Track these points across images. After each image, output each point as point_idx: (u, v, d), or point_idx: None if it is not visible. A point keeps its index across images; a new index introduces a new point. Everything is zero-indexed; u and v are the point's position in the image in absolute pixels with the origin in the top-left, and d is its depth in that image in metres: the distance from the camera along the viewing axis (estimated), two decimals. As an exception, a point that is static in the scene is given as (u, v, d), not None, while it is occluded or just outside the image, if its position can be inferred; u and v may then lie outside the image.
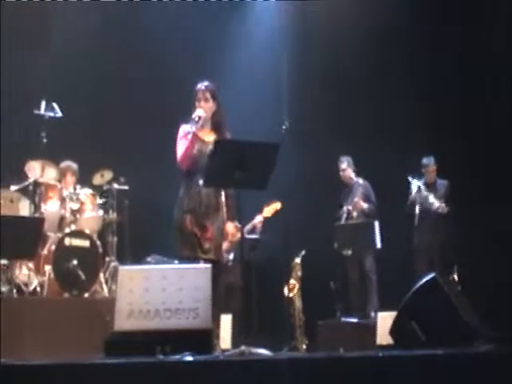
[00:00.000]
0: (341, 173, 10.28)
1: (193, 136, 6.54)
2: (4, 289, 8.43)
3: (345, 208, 10.04)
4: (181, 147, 6.59)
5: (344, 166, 10.26)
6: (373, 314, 9.31)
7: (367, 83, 10.81)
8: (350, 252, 9.72)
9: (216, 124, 6.73)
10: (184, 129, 6.65)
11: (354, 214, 9.99)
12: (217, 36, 11.10)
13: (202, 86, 6.73)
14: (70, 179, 9.42)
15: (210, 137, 6.66)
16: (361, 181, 10.09)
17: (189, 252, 6.49)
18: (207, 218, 6.58)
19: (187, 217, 6.54)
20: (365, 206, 10.00)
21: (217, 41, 11.11)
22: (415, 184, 9.88)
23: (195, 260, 6.38)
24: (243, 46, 11.30)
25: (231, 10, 11.27)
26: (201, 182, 6.45)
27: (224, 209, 6.67)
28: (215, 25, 11.07)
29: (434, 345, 4.76)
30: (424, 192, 9.82)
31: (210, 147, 6.49)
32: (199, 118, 6.55)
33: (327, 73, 10.94)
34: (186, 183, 6.63)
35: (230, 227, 6.79)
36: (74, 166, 9.52)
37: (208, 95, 6.68)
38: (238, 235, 9.11)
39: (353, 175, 10.24)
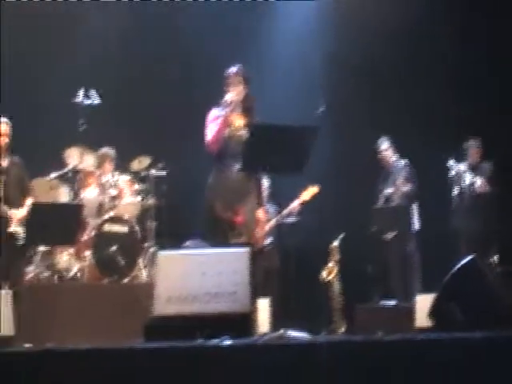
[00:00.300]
0: (383, 153, 10.15)
1: (224, 119, 6.51)
2: (45, 274, 8.53)
3: (385, 190, 9.95)
4: (211, 130, 6.56)
5: (385, 146, 10.13)
6: (414, 296, 9.24)
7: (403, 66, 10.74)
8: (391, 235, 9.67)
9: (246, 108, 6.69)
10: (214, 112, 6.63)
11: (396, 196, 9.89)
12: (251, 25, 11.09)
13: (233, 69, 6.69)
14: (108, 166, 9.47)
15: (240, 121, 6.63)
16: (403, 162, 9.95)
17: (221, 238, 6.47)
18: (238, 203, 6.55)
19: (218, 202, 6.52)
20: (407, 188, 9.89)
21: (251, 30, 11.10)
22: (456, 166, 9.77)
23: (228, 246, 6.34)
24: (277, 35, 11.28)
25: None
26: (236, 166, 6.43)
27: (254, 194, 6.64)
28: (249, 14, 11.05)
29: (473, 327, 4.73)
30: (466, 173, 9.72)
31: (240, 131, 6.48)
32: (231, 101, 6.52)
33: (362, 56, 10.88)
34: (217, 168, 6.61)
35: (261, 213, 6.77)
36: (112, 152, 9.57)
37: (240, 79, 6.65)
38: (272, 221, 9.17)
39: (393, 157, 10.12)
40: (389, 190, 9.92)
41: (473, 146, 9.90)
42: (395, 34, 10.71)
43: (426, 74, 10.61)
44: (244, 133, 6.53)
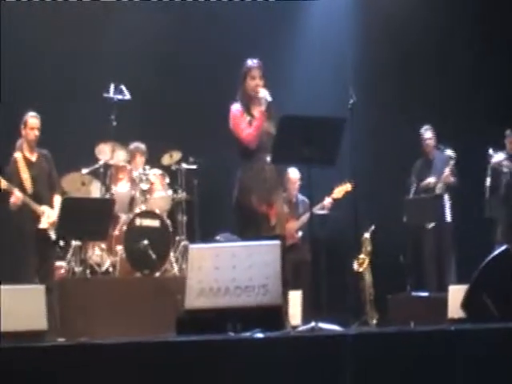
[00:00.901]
0: (426, 142, 9.99)
1: (262, 115, 6.54)
2: (78, 269, 8.58)
3: (427, 180, 9.81)
4: (245, 127, 6.58)
5: (430, 134, 10.00)
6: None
7: (439, 54, 10.65)
8: (431, 225, 9.59)
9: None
10: (237, 107, 6.66)
11: (438, 186, 9.75)
12: (283, 23, 11.08)
13: (254, 63, 6.70)
14: (139, 160, 9.50)
15: None
16: (451, 152, 9.77)
17: (253, 232, 6.44)
18: (271, 195, 6.58)
19: (253, 195, 6.52)
20: (453, 181, 9.78)
21: (283, 28, 11.09)
22: (495, 155, 9.66)
23: (260, 239, 6.27)
24: (309, 30, 11.26)
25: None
26: (265, 158, 6.45)
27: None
28: (280, 13, 11.04)
29: (506, 317, 4.69)
30: (504, 162, 9.61)
31: (265, 125, 6.50)
32: (265, 96, 6.55)
33: (394, 47, 10.80)
34: (246, 162, 6.61)
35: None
36: (143, 146, 9.60)
37: (261, 72, 6.66)
38: (305, 215, 9.19)
39: (437, 146, 9.97)
40: (431, 180, 9.79)
41: (511, 136, 9.80)
42: (428, 23, 10.64)
43: (463, 64, 10.51)
44: (267, 125, 6.56)
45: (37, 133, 8.20)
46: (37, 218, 8.03)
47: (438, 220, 9.54)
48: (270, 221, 6.53)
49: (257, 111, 6.60)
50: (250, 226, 6.53)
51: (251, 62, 6.70)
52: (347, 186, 9.37)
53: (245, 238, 6.44)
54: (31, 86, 9.86)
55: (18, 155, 8.18)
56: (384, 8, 10.96)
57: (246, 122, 6.62)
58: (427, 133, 10.01)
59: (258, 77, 6.65)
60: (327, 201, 9.52)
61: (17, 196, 7.88)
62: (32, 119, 8.19)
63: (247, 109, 6.68)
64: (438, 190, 9.75)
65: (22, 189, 8.01)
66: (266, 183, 6.56)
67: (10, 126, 8.64)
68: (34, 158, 8.26)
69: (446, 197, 9.46)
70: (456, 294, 7.18)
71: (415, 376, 4.04)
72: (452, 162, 9.74)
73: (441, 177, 9.78)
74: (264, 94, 6.56)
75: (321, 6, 11.27)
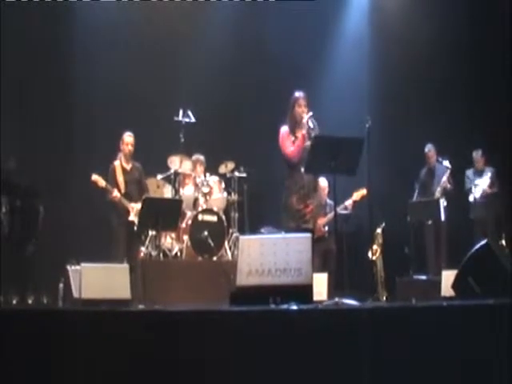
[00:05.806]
0: (429, 157, 9.95)
1: (303, 137, 6.63)
2: (153, 253, 8.70)
3: (431, 187, 9.80)
4: (289, 145, 6.66)
5: (432, 151, 9.93)
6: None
7: (444, 80, 10.53)
8: (430, 222, 9.59)
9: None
10: (285, 129, 6.73)
11: (438, 190, 9.72)
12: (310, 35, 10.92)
13: (300, 94, 6.75)
14: (199, 168, 9.61)
15: None
16: (448, 164, 9.76)
17: (293, 224, 6.63)
18: (308, 197, 6.69)
19: (294, 197, 6.66)
20: (449, 187, 9.76)
21: (311, 40, 10.93)
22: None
23: (298, 230, 6.47)
24: (327, 53, 11.15)
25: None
26: (302, 169, 6.54)
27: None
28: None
29: (486, 296, 4.71)
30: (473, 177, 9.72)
31: (307, 144, 6.56)
32: (307, 121, 6.62)
33: (408, 67, 10.67)
34: (291, 172, 6.72)
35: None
36: (202, 157, 9.70)
37: (306, 102, 6.71)
38: (330, 214, 9.15)
39: (437, 158, 9.95)
40: (434, 186, 9.77)
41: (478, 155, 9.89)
42: (441, 47, 10.50)
43: (469, 85, 10.41)
44: (308, 144, 6.61)
45: (130, 147, 8.43)
46: (127, 212, 8.23)
47: (435, 219, 9.52)
48: (305, 216, 6.66)
49: (300, 133, 6.68)
50: (291, 219, 6.69)
51: (298, 94, 6.75)
52: (363, 191, 9.40)
53: (289, 229, 6.57)
54: (121, 110, 10.02)
55: (116, 163, 8.42)
56: (396, 37, 10.76)
57: (291, 141, 6.68)
58: (430, 150, 10.00)
59: (303, 105, 6.69)
60: (348, 202, 9.55)
61: (115, 194, 8.14)
62: (127, 137, 8.44)
63: (293, 131, 6.73)
64: (437, 194, 9.72)
65: (118, 189, 8.25)
66: (304, 188, 6.67)
67: (109, 143, 8.90)
68: (128, 167, 8.48)
69: (442, 200, 9.43)
70: (448, 277, 7.16)
71: (416, 341, 4.07)
72: (448, 172, 9.72)
73: (440, 183, 9.76)
74: (307, 119, 6.62)
75: (343, 36, 11.10)
